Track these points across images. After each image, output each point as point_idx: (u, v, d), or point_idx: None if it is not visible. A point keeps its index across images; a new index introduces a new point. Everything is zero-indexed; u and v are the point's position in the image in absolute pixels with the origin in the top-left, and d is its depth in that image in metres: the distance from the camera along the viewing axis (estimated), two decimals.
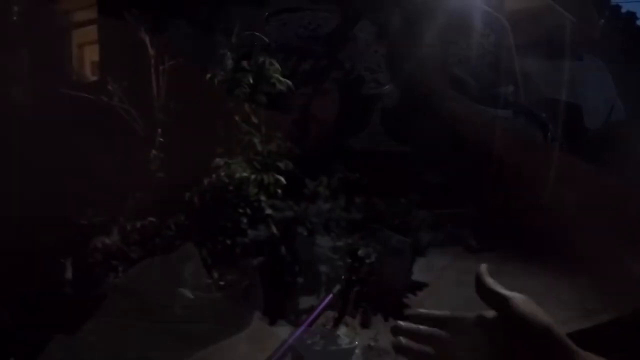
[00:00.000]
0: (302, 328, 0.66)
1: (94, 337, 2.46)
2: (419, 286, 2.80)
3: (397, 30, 3.35)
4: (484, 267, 0.55)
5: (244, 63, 2.57)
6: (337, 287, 2.14)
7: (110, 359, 2.35)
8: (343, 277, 2.32)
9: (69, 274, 2.72)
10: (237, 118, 2.51)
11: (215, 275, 2.32)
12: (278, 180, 2.29)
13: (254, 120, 2.51)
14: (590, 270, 2.91)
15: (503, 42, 3.75)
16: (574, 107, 3.96)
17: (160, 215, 2.33)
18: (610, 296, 2.64)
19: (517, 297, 0.50)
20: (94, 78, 3.96)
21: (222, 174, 2.16)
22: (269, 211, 2.16)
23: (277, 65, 2.57)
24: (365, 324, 2.49)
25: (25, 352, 2.51)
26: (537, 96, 3.95)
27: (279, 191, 2.30)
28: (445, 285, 2.86)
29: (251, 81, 2.50)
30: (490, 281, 0.54)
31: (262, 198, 2.23)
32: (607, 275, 2.85)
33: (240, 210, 2.15)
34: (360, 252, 2.32)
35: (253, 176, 2.19)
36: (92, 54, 4.36)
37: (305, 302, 2.53)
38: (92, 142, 2.74)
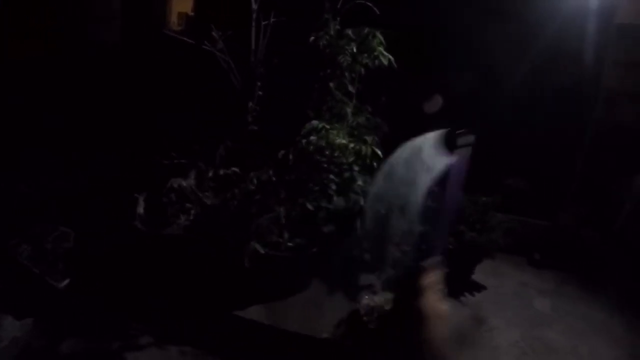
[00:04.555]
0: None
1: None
2: (478, 288, 2.75)
3: None
4: (430, 267, 0.63)
5: (349, 31, 2.53)
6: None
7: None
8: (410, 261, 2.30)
9: (140, 209, 2.81)
10: (331, 85, 2.49)
11: (286, 235, 2.36)
12: (375, 153, 2.26)
13: (350, 89, 2.48)
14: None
15: None
16: None
17: (245, 167, 2.37)
18: None
19: (431, 318, 0.55)
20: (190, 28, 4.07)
21: (320, 137, 2.15)
22: (360, 182, 2.15)
23: (381, 38, 2.51)
24: None
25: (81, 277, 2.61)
26: None
27: (375, 164, 2.28)
28: (501, 293, 2.81)
29: (354, 50, 2.46)
30: (426, 285, 0.61)
31: (355, 168, 2.22)
32: None
33: (332, 177, 2.15)
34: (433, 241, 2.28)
35: (352, 145, 2.17)
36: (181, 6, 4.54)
37: (366, 279, 2.55)
38: (188, 88, 2.83)
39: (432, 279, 0.64)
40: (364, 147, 2.22)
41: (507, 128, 3.18)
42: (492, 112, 3.05)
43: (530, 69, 3.30)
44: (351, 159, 2.20)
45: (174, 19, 4.78)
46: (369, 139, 2.47)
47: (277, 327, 2.34)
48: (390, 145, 2.67)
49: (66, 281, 2.68)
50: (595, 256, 3.36)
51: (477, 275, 2.78)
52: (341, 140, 2.13)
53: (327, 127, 2.19)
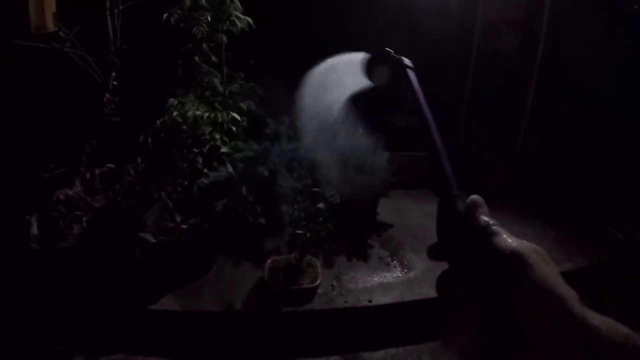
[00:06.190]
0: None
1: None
2: (384, 227, 2.84)
3: None
4: (479, 200, 0.46)
5: (203, 1, 2.46)
6: None
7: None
8: (306, 217, 2.33)
9: (34, 230, 2.68)
10: (196, 58, 2.44)
11: (178, 218, 2.32)
12: (234, 118, 2.24)
13: (214, 59, 2.43)
14: (556, 222, 3.00)
15: None
16: None
17: (119, 161, 2.29)
18: (574, 247, 2.75)
19: (530, 257, 0.41)
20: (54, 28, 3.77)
21: (175, 113, 2.10)
22: (224, 149, 2.12)
23: (237, 3, 2.46)
24: (328, 264, 2.53)
25: None
26: None
27: (234, 129, 2.26)
28: (408, 227, 2.91)
29: (209, 19, 2.41)
30: (490, 224, 0.44)
31: (217, 136, 2.19)
32: (571, 228, 2.96)
33: (196, 150, 2.12)
34: (323, 192, 2.32)
35: (207, 114, 2.14)
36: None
37: (268, 243, 2.56)
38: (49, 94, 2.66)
39: (485, 210, 0.46)
40: (219, 115, 2.19)
41: None
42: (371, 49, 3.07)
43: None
44: (209, 129, 2.17)
45: (47, 21, 4.39)
46: (243, 105, 2.46)
47: (190, 311, 2.32)
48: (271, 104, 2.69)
49: None
50: (497, 177, 3.56)
51: (381, 215, 2.87)
52: (194, 112, 2.09)
53: (183, 101, 2.15)
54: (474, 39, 3.78)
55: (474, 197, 0.47)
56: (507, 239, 0.43)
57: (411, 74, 0.57)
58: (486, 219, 0.45)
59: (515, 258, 0.41)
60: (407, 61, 0.58)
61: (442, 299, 0.44)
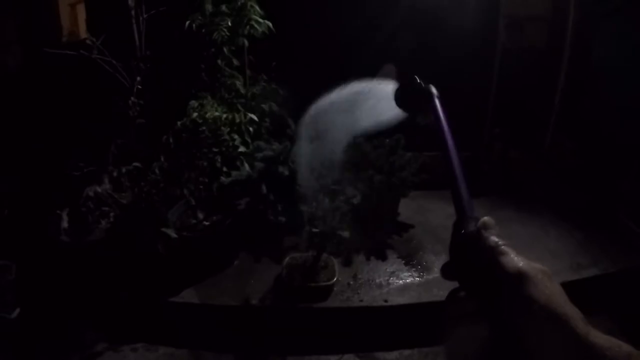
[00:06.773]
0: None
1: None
2: (405, 227, 2.83)
3: None
4: (489, 221, 0.48)
5: (223, 7, 2.53)
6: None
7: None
8: (323, 216, 2.35)
9: (64, 224, 2.82)
10: (219, 62, 2.51)
11: (200, 215, 2.39)
12: (252, 119, 2.30)
13: (236, 63, 2.50)
14: (583, 224, 2.91)
15: None
16: None
17: (144, 160, 2.39)
18: (601, 251, 2.66)
19: (535, 276, 0.42)
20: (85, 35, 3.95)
21: (195, 114, 2.18)
22: (242, 149, 2.18)
23: (257, 8, 2.52)
24: (346, 263, 2.55)
25: (29, 303, 2.63)
26: None
27: (251, 129, 2.32)
28: (430, 228, 2.88)
29: (230, 24, 2.47)
30: (499, 244, 0.45)
31: (235, 137, 2.26)
32: (599, 230, 2.85)
33: (215, 150, 2.18)
34: (343, 191, 2.34)
35: (224, 115, 2.21)
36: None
37: (288, 240, 2.61)
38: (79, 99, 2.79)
39: (496, 231, 0.48)
40: (237, 116, 2.25)
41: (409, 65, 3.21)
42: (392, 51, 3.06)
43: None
44: (227, 129, 2.23)
45: (80, 29, 4.58)
46: (265, 106, 2.51)
47: (209, 304, 2.39)
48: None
49: (17, 311, 2.69)
50: (524, 177, 3.48)
51: (403, 216, 2.85)
52: (213, 113, 2.16)
53: (203, 103, 2.23)
54: (499, 35, 3.70)
55: (485, 218, 0.48)
56: (514, 259, 0.44)
57: (437, 103, 0.60)
58: (495, 239, 0.46)
59: (520, 277, 0.42)
60: (434, 90, 0.62)
61: (450, 315, 0.46)
